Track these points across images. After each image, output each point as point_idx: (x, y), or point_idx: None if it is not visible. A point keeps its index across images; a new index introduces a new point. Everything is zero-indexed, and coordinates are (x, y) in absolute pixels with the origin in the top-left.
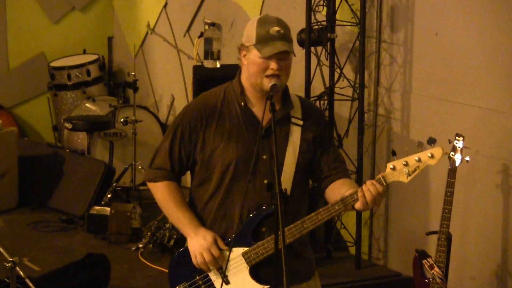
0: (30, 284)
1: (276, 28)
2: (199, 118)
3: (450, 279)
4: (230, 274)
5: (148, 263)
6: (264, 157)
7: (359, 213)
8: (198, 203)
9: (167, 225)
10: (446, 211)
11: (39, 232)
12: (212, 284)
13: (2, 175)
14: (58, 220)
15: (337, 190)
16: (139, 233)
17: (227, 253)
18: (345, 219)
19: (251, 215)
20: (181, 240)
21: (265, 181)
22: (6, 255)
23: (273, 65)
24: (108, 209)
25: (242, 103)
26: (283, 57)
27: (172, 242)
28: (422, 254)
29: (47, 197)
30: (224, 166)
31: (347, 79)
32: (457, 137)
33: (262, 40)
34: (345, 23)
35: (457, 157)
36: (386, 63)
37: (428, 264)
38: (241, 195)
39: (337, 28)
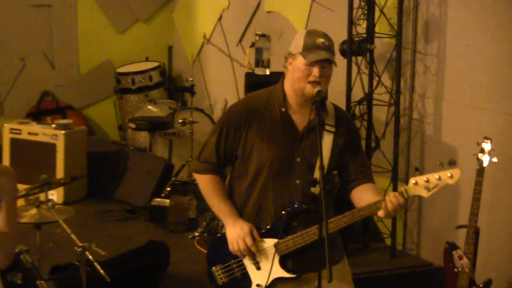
0: (98, 267)
1: (322, 40)
2: (243, 118)
3: (477, 269)
4: (262, 262)
5: (203, 250)
6: (298, 159)
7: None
8: (236, 191)
9: None
10: (475, 207)
11: (106, 221)
12: (245, 269)
13: (78, 177)
14: (122, 210)
15: (362, 194)
16: (195, 222)
17: (261, 243)
18: None
19: (283, 211)
20: None
21: (297, 182)
22: (77, 241)
23: (315, 71)
24: (167, 201)
25: (283, 109)
26: (326, 66)
27: (224, 231)
28: (452, 246)
29: (112, 189)
30: (260, 165)
31: (385, 86)
32: (485, 140)
33: (308, 48)
34: (383, 35)
35: (485, 158)
36: (420, 72)
37: (458, 255)
38: (275, 192)
39: (376, 40)
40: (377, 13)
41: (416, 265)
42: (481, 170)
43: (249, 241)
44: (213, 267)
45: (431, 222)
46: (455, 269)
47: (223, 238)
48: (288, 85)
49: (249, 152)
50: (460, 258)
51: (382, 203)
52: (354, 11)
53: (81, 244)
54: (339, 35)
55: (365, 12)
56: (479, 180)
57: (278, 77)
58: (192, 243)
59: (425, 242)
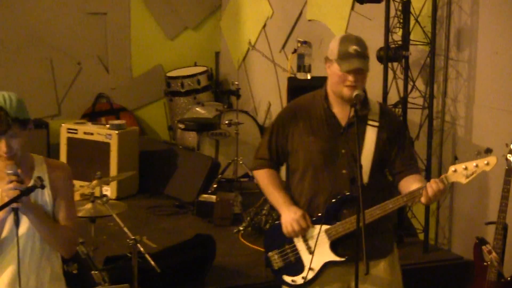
0: (149, 259)
1: (355, 47)
2: (290, 117)
3: (505, 263)
4: (313, 246)
5: (247, 243)
6: (343, 151)
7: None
8: (291, 186)
9: (264, 211)
10: (503, 204)
11: (156, 215)
12: (298, 253)
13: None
14: (171, 206)
15: (408, 184)
16: (240, 217)
17: (313, 229)
18: (416, 209)
19: (333, 200)
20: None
21: (344, 171)
22: (129, 234)
23: (350, 78)
24: (214, 197)
25: (325, 106)
26: (360, 72)
27: (268, 226)
28: (481, 241)
29: (162, 185)
30: (308, 158)
31: (419, 91)
32: None
33: (342, 57)
34: (417, 43)
35: None
36: (453, 77)
37: (487, 249)
38: (323, 183)
39: (411, 47)
40: (412, 22)
41: (447, 259)
42: (509, 170)
43: (302, 222)
44: (270, 253)
45: (462, 218)
46: (485, 263)
47: (279, 226)
48: (329, 86)
49: (297, 147)
50: (489, 252)
51: (424, 190)
52: (391, 20)
53: (133, 237)
54: (376, 42)
55: (401, 20)
56: (507, 179)
57: (318, 81)
58: (236, 237)
59: (456, 237)
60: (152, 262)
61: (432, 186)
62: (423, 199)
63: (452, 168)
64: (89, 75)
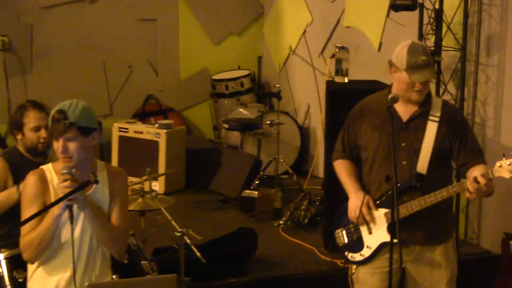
0: (195, 250)
1: (423, 57)
2: (357, 116)
3: None
4: (373, 227)
5: (287, 236)
6: (403, 144)
7: (457, 201)
8: (363, 177)
9: (303, 207)
10: None
11: (201, 210)
12: (360, 233)
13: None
14: (216, 200)
15: (471, 174)
16: (280, 212)
17: (374, 211)
18: None
19: (399, 185)
20: (314, 219)
21: (404, 163)
22: (176, 226)
23: (418, 86)
24: (256, 192)
25: (389, 104)
26: (429, 80)
27: (306, 220)
28: (509, 236)
29: (208, 181)
30: (374, 150)
31: (450, 94)
32: None
33: (412, 67)
34: (449, 49)
35: None
36: (482, 81)
37: None
38: (387, 172)
39: (443, 53)
40: (444, 29)
41: (476, 253)
42: None
43: (364, 210)
44: (337, 230)
45: (490, 214)
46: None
47: (347, 208)
48: (394, 88)
49: (365, 142)
50: None
51: (467, 183)
52: (424, 27)
53: (180, 230)
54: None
55: (434, 27)
56: None
57: (355, 85)
58: (277, 230)
59: (484, 233)
60: (198, 253)
61: (479, 179)
62: (467, 194)
63: (498, 163)
64: (139, 77)
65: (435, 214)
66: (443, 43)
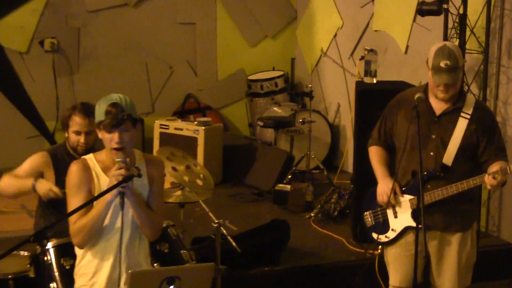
0: (231, 240)
1: (445, 61)
2: (395, 107)
3: None
4: (399, 211)
5: (317, 228)
6: (433, 136)
7: (479, 195)
8: (396, 164)
9: (333, 200)
10: None
11: (237, 202)
12: (386, 216)
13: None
14: (251, 194)
15: (491, 169)
16: (311, 205)
17: (400, 197)
18: None
19: (425, 173)
20: (343, 211)
21: (431, 153)
22: (213, 218)
23: (441, 87)
24: (288, 186)
25: (424, 98)
26: (450, 82)
27: (336, 213)
28: None
29: (243, 175)
30: (405, 139)
31: (473, 94)
32: None
33: (434, 69)
34: (472, 51)
35: None
36: (504, 83)
37: None
38: (415, 160)
39: (466, 55)
40: (467, 33)
41: (497, 244)
42: None
43: (391, 196)
44: (365, 212)
45: (511, 208)
46: None
47: (375, 192)
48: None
49: (400, 131)
50: None
51: (488, 176)
52: (448, 31)
53: (217, 221)
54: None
55: (458, 31)
56: None
57: (383, 85)
58: (308, 222)
59: (504, 225)
60: (234, 243)
61: (495, 175)
62: (488, 186)
63: None
64: (179, 77)
65: (456, 204)
66: (467, 46)
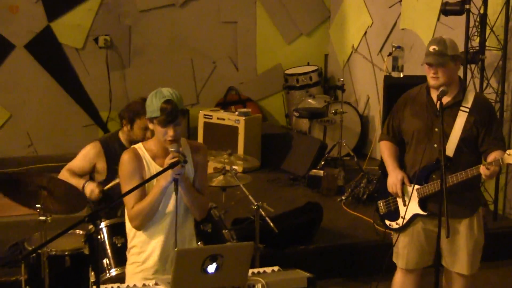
0: (269, 221)
1: (434, 46)
2: (402, 104)
3: None
4: (407, 201)
5: (348, 210)
6: (436, 129)
7: (497, 181)
8: (405, 157)
9: (362, 184)
10: None
11: (274, 186)
12: (397, 204)
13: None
14: (287, 178)
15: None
16: (343, 189)
17: (408, 187)
18: (487, 185)
19: (424, 166)
20: (371, 195)
21: (435, 145)
22: (253, 200)
23: (431, 73)
24: (321, 172)
25: (426, 94)
26: (437, 66)
27: (365, 196)
28: None
29: (280, 162)
30: (411, 133)
31: (492, 88)
32: None
33: (426, 54)
34: (492, 48)
35: None
36: None
37: None
38: (420, 153)
39: (486, 52)
40: (487, 31)
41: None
42: None
43: (399, 186)
44: (379, 201)
45: None
46: None
47: (386, 183)
48: None
49: (407, 126)
50: None
51: (483, 167)
52: (470, 29)
53: (256, 203)
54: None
55: (478, 30)
56: None
57: (409, 79)
58: (340, 205)
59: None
60: (271, 224)
61: (489, 166)
62: (483, 176)
63: (507, 152)
64: (222, 71)
65: (460, 191)
66: (487, 43)
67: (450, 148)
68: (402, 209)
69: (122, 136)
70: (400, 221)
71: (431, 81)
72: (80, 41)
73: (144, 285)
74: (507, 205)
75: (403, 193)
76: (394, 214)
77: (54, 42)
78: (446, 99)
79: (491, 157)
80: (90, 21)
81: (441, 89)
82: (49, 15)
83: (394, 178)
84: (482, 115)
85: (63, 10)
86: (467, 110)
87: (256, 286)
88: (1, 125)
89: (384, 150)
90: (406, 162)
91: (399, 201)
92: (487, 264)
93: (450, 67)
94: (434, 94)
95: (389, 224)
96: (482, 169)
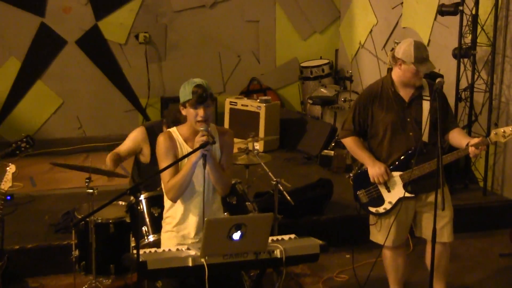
0: (286, 195)
1: (427, 53)
2: (367, 100)
3: None
4: (391, 187)
5: None
6: (408, 119)
7: (486, 161)
8: (373, 147)
9: None
10: None
11: (291, 164)
12: (379, 191)
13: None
14: (302, 158)
15: (455, 135)
16: (351, 167)
17: (391, 174)
18: (478, 165)
19: (405, 154)
20: None
21: (411, 134)
22: (272, 176)
23: (421, 74)
24: (332, 152)
25: (393, 89)
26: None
27: (364, 169)
28: None
29: (296, 143)
30: (384, 127)
31: (482, 79)
32: None
33: (419, 61)
34: (482, 45)
35: None
36: (508, 70)
37: None
38: (397, 143)
39: (477, 48)
40: (478, 29)
41: (500, 200)
42: None
43: (386, 177)
44: (358, 191)
45: None
46: None
47: (364, 173)
48: (396, 77)
49: (377, 120)
50: None
51: (469, 149)
52: (463, 28)
53: (275, 179)
54: (451, 44)
55: (470, 28)
56: None
57: None
58: (348, 181)
59: (506, 185)
60: (288, 197)
61: (478, 143)
62: (471, 154)
63: (493, 131)
64: (245, 64)
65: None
66: (478, 40)
67: (425, 134)
68: (386, 195)
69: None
70: (387, 205)
71: (418, 82)
72: (123, 37)
73: (177, 249)
74: (495, 182)
75: (386, 181)
76: (378, 200)
77: (100, 38)
78: (410, 92)
79: (474, 140)
80: (132, 20)
81: (438, 80)
82: (96, 15)
83: (377, 169)
84: (439, 99)
85: (109, 11)
86: (428, 98)
87: (275, 251)
88: (55, 110)
89: (355, 146)
90: (381, 153)
91: (382, 188)
92: (480, 234)
93: None
94: (401, 90)
95: (376, 210)
96: (472, 150)
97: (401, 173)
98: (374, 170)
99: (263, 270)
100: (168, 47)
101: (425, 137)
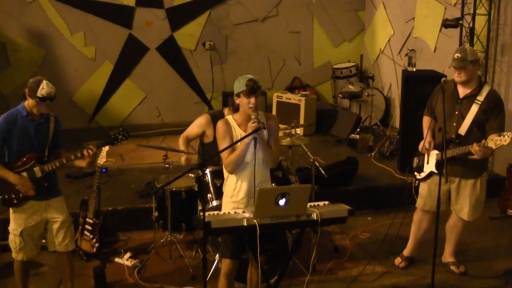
0: (321, 169)
1: (457, 54)
2: (438, 91)
3: None
4: (429, 161)
5: (376, 163)
6: (456, 112)
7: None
8: (435, 127)
9: (386, 145)
10: None
11: (325, 145)
12: (423, 161)
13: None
14: (334, 140)
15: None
16: (372, 148)
17: (432, 151)
18: None
19: (446, 138)
20: (392, 152)
21: (454, 124)
22: (310, 155)
23: (456, 72)
24: (357, 136)
25: (453, 86)
26: (460, 68)
27: (388, 153)
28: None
29: (329, 128)
30: (441, 114)
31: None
32: None
33: (452, 59)
34: (478, 51)
35: None
36: (498, 72)
37: None
38: (445, 128)
39: None
40: (475, 39)
41: (490, 175)
42: None
43: (427, 146)
44: (415, 158)
45: (501, 151)
46: None
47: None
48: None
49: (439, 107)
50: None
51: (473, 147)
52: (462, 38)
53: (312, 157)
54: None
55: (468, 38)
56: None
57: (420, 72)
58: (370, 159)
59: (497, 162)
60: (322, 171)
61: (476, 148)
62: (475, 156)
63: (489, 137)
64: (289, 66)
65: (470, 160)
66: (474, 47)
67: (464, 128)
68: (425, 166)
69: (226, 113)
70: (422, 174)
71: (456, 79)
72: (192, 45)
73: (235, 212)
74: (488, 161)
75: (429, 155)
76: (421, 168)
77: (175, 46)
78: (466, 91)
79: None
80: (200, 31)
81: (443, 79)
82: (172, 27)
83: (427, 143)
84: (490, 106)
85: (182, 24)
86: (479, 103)
87: (312, 214)
88: (140, 102)
89: (424, 122)
90: (436, 133)
91: (425, 159)
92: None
93: (469, 69)
94: (460, 87)
95: (417, 175)
96: (473, 149)
97: (438, 152)
98: (423, 141)
99: (303, 229)
100: (228, 53)
101: (462, 131)
